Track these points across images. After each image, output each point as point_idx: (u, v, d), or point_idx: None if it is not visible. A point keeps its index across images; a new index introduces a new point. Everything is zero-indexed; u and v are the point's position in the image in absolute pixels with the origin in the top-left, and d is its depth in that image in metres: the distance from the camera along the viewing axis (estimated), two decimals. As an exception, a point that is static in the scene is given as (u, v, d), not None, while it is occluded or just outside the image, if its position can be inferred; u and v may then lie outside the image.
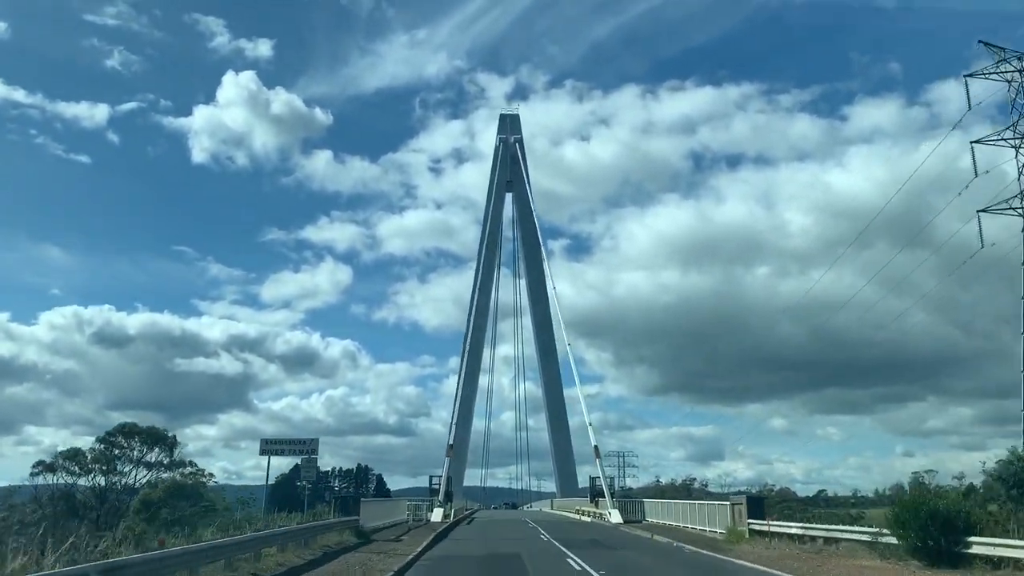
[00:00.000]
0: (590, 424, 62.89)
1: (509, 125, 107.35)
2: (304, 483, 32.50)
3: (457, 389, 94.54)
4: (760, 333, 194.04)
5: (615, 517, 45.58)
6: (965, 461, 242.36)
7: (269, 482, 31.70)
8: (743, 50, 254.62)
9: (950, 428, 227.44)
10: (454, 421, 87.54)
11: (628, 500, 54.42)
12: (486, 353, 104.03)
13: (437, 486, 60.97)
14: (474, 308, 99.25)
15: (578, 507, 61.46)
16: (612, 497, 51.87)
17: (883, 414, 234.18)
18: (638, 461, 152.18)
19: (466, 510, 69.45)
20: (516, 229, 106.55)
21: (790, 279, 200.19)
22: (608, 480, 57.61)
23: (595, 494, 56.94)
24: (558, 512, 72.32)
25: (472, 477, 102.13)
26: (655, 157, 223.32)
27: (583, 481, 76.45)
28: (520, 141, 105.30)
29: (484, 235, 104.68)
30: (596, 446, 61.56)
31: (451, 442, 74.77)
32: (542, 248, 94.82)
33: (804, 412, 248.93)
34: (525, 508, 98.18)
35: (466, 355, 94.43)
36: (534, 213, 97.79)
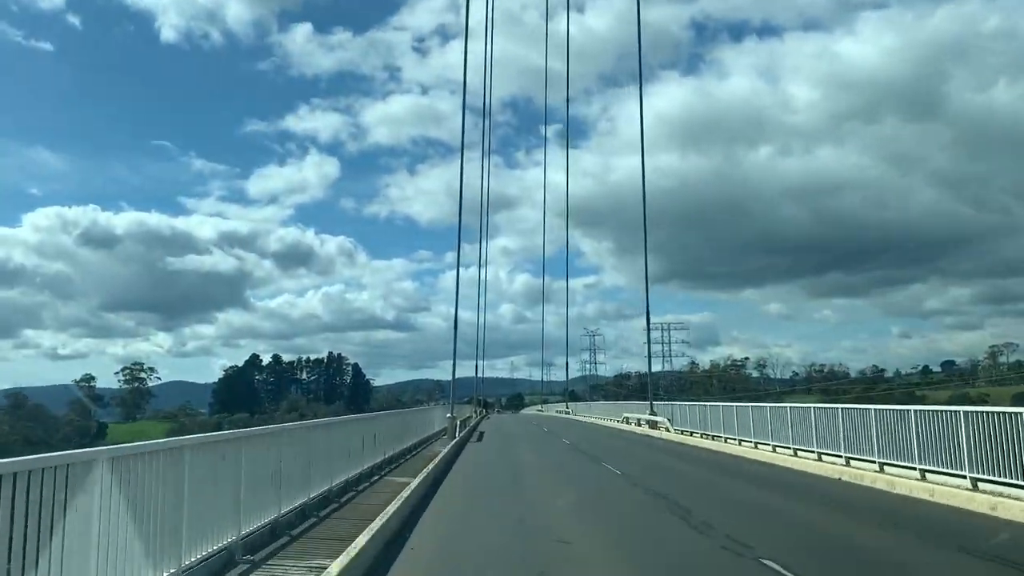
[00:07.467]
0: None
1: None
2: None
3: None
4: (761, 216, 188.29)
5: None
6: (959, 341, 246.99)
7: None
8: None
9: (948, 308, 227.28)
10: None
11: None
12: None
13: None
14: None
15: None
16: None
17: (880, 297, 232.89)
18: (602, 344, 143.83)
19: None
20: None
21: (793, 158, 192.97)
22: None
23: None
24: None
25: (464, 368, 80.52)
26: (655, 28, 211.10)
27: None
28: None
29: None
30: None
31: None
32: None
33: (802, 296, 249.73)
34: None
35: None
36: None
